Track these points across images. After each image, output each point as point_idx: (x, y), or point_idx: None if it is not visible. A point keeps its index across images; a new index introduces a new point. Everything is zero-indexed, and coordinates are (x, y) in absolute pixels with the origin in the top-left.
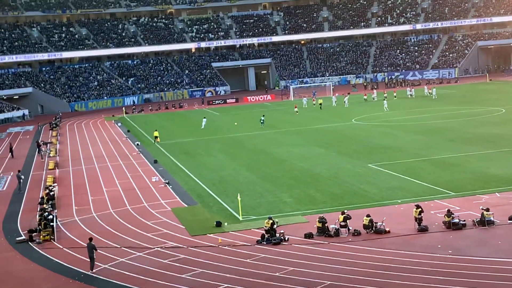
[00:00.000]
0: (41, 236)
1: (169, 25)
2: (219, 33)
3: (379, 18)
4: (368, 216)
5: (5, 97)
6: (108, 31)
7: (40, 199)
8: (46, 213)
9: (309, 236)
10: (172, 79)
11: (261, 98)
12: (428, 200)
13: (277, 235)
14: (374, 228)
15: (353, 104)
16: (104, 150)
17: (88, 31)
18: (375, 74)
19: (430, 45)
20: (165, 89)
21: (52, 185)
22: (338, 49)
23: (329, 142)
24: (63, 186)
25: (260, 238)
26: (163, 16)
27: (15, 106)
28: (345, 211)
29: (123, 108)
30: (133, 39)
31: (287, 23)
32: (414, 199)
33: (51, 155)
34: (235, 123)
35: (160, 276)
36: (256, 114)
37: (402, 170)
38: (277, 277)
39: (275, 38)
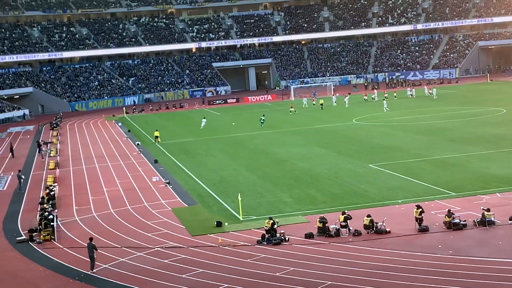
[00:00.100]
0: (42, 236)
1: (170, 25)
2: (219, 33)
3: (379, 18)
4: (368, 216)
5: (5, 97)
6: (109, 31)
7: (40, 199)
8: (47, 213)
9: (309, 236)
10: (173, 79)
11: (262, 98)
12: (428, 200)
13: (278, 235)
14: (374, 228)
15: (353, 104)
16: (104, 150)
17: (88, 31)
18: (376, 74)
19: (431, 45)
20: (166, 89)
21: (53, 185)
22: (338, 49)
23: (329, 142)
24: (64, 186)
25: (260, 238)
26: (164, 16)
27: (15, 105)
28: (346, 211)
29: (124, 108)
30: (133, 39)
31: (288, 23)
32: (415, 199)
33: (51, 155)
34: (233, 123)
35: (160, 276)
36: (256, 114)
37: (402, 170)
38: (278, 277)
39: (276, 38)
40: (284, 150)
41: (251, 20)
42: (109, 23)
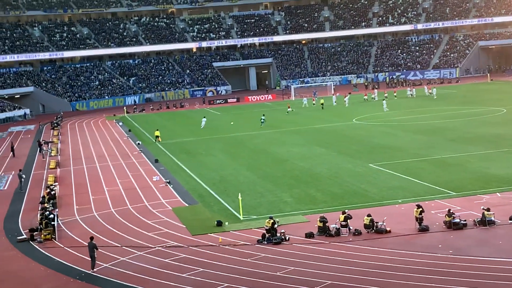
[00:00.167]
0: (42, 235)
1: (170, 25)
2: (220, 33)
3: (380, 18)
4: (368, 215)
5: (6, 96)
6: (110, 31)
7: (41, 198)
8: (47, 212)
9: (309, 235)
10: (173, 78)
11: (262, 98)
12: (428, 200)
13: (278, 234)
14: (374, 228)
15: (353, 103)
16: (105, 150)
17: (89, 30)
18: (376, 74)
19: (431, 45)
20: (166, 89)
21: (53, 184)
22: (339, 49)
23: (329, 141)
24: (64, 185)
25: (260, 238)
26: (165, 16)
27: (16, 105)
28: (346, 210)
29: (124, 107)
30: (134, 39)
31: (288, 23)
32: (415, 199)
33: (52, 154)
34: (231, 123)
35: (161, 275)
36: (257, 113)
37: (402, 170)
38: (278, 277)
39: (276, 38)
40: (284, 150)
41: (252, 20)
42: (110, 22)
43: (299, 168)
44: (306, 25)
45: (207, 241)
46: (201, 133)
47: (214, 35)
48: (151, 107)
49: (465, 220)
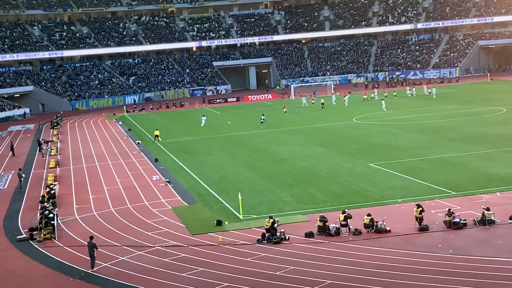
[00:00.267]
0: (42, 235)
1: (170, 24)
2: (220, 32)
3: (380, 17)
4: (368, 215)
5: (6, 96)
6: (109, 30)
7: (41, 198)
8: (47, 211)
9: (309, 235)
10: (173, 78)
11: (262, 97)
12: (428, 200)
13: (278, 234)
14: (374, 227)
15: (353, 103)
16: (105, 149)
17: (89, 29)
18: (376, 73)
19: (431, 45)
20: (166, 88)
21: (53, 183)
22: (339, 48)
23: (329, 141)
24: (64, 185)
25: (260, 237)
26: (164, 15)
27: (16, 104)
28: (346, 210)
29: (124, 106)
30: (134, 38)
31: (288, 22)
32: (415, 199)
33: (52, 153)
34: (229, 122)
35: (160, 275)
36: (257, 113)
37: (402, 169)
38: (278, 276)
39: (276, 37)
40: (284, 149)
41: (252, 19)
42: (110, 22)
43: (299, 167)
44: (306, 24)
45: (207, 241)
46: (201, 133)
47: (214, 34)
48: (151, 107)
49: (465, 220)
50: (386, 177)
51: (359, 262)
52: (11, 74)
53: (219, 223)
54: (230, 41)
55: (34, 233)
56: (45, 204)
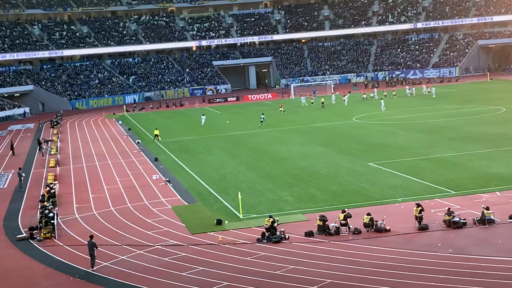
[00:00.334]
0: (42, 234)
1: (170, 23)
2: (220, 32)
3: (380, 17)
4: (368, 214)
5: (6, 95)
6: (109, 29)
7: (41, 197)
8: (47, 210)
9: (309, 234)
10: (173, 77)
11: (262, 96)
12: (428, 199)
13: (278, 233)
14: (374, 227)
15: (352, 102)
16: (105, 148)
17: (89, 29)
18: (376, 72)
19: (431, 44)
20: (166, 87)
21: (53, 182)
22: (339, 47)
23: (329, 140)
24: (64, 184)
25: (260, 236)
26: (164, 14)
27: (16, 103)
28: (346, 209)
29: (124, 106)
30: (134, 37)
31: (288, 21)
32: (415, 198)
33: (52, 153)
34: (227, 121)
35: (160, 274)
36: (256, 112)
37: (402, 169)
38: (278, 275)
39: (276, 37)
40: (284, 149)
41: (252, 19)
42: (110, 21)
43: (299, 166)
44: (305, 23)
45: (207, 240)
46: (200, 132)
47: (214, 34)
48: (151, 106)
49: (464, 219)
50: (386, 176)
51: (359, 261)
52: (11, 73)
53: (219, 222)
54: (230, 41)
55: (34, 232)
56: (45, 203)
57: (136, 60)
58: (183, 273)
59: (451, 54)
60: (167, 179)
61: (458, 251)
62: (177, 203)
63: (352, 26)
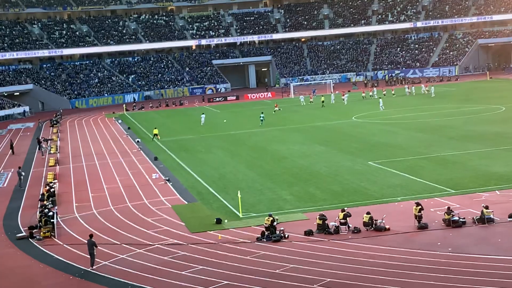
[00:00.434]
0: (42, 233)
1: (170, 22)
2: (219, 31)
3: (379, 16)
4: (368, 213)
5: (5, 94)
6: (109, 28)
7: (40, 196)
8: (47, 209)
9: (309, 233)
10: (173, 76)
11: (262, 95)
12: (428, 198)
13: (277, 232)
14: (374, 226)
15: (352, 101)
16: (104, 147)
17: (88, 28)
18: (376, 72)
19: (431, 43)
20: (166, 87)
21: (53, 181)
22: (338, 46)
23: (329, 139)
24: (64, 183)
25: (260, 235)
26: (164, 13)
27: (15, 102)
28: (345, 208)
29: (124, 105)
30: (133, 36)
31: (288, 20)
32: (414, 197)
33: (51, 152)
34: (224, 120)
35: (160, 273)
36: (256, 111)
37: (402, 168)
38: (277, 274)
39: (276, 36)
40: (284, 148)
41: (251, 18)
42: (109, 20)
43: (299, 165)
44: (305, 23)
45: (206, 239)
46: (200, 131)
47: (213, 33)
48: (151, 105)
49: (464, 218)
50: (386, 175)
51: (358, 260)
52: (10, 72)
53: (219, 221)
54: (229, 40)
55: (33, 231)
56: (45, 202)
57: (135, 59)
58: (183, 272)
59: (451, 53)
60: (167, 178)
61: (457, 250)
62: (176, 202)
63: (352, 25)
